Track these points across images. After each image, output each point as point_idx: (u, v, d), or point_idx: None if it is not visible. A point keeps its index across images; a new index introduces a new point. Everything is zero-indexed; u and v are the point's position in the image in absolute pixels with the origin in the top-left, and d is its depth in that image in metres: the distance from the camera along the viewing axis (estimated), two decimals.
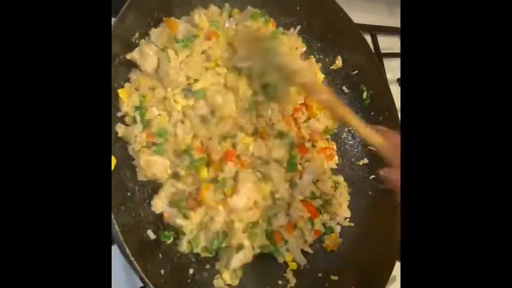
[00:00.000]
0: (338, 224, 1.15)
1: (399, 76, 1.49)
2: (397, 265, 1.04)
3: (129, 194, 0.85)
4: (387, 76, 1.26)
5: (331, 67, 1.24)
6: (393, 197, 1.05)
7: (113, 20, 0.81)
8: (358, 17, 1.21)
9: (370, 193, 1.18)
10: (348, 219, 1.15)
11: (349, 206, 1.16)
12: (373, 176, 1.18)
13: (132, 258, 0.73)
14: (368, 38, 1.34)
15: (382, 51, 1.47)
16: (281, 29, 1.15)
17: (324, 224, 1.13)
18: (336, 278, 1.05)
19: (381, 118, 1.19)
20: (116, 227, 0.74)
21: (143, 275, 0.73)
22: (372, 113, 1.20)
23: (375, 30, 1.49)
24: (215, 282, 0.94)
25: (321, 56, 1.23)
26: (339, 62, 1.22)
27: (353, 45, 1.20)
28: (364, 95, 1.21)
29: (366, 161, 1.21)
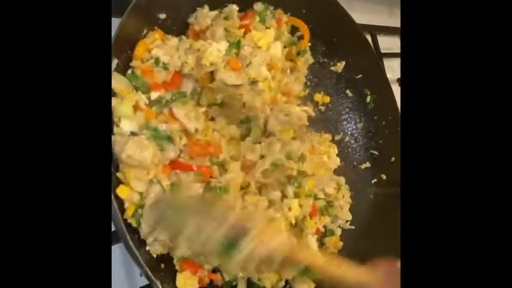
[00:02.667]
0: (339, 226, 1.16)
1: (399, 76, 1.49)
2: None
3: None
4: (387, 76, 1.26)
5: (333, 69, 1.24)
6: (394, 201, 1.07)
7: (117, 20, 0.81)
8: (358, 17, 1.21)
9: (371, 196, 1.19)
10: (348, 222, 1.16)
11: (350, 209, 1.17)
12: (375, 180, 1.20)
13: (136, 251, 0.73)
14: (368, 38, 1.34)
15: (382, 51, 1.47)
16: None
17: (324, 227, 1.14)
18: None
19: (384, 122, 1.20)
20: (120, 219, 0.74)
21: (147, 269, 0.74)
22: (375, 117, 1.21)
23: (375, 30, 1.49)
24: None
25: (326, 60, 1.23)
26: (341, 65, 1.23)
27: (357, 50, 1.21)
28: (368, 99, 1.22)
29: (368, 164, 1.22)
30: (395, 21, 1.64)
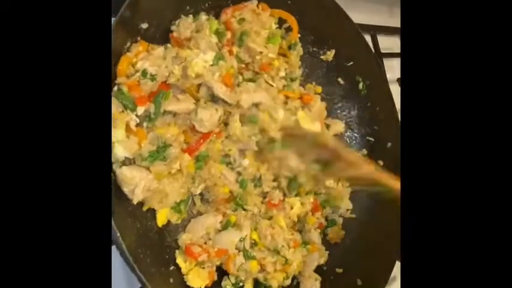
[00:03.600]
0: (340, 216, 1.16)
1: (399, 76, 1.47)
2: (397, 265, 1.05)
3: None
4: (387, 76, 1.25)
5: (323, 58, 1.23)
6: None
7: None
8: (358, 17, 1.20)
9: None
10: (349, 211, 1.17)
11: (350, 198, 1.17)
12: None
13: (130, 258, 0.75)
14: (368, 38, 1.33)
15: (382, 51, 1.45)
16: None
17: (326, 217, 1.15)
18: (340, 270, 1.08)
19: (377, 108, 1.20)
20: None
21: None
22: (368, 104, 1.21)
23: (375, 30, 1.46)
24: (223, 283, 0.96)
25: (315, 49, 1.21)
26: (331, 53, 1.21)
27: (346, 37, 1.19)
28: (360, 86, 1.21)
29: (364, 152, 1.22)
30: (396, 21, 1.60)
